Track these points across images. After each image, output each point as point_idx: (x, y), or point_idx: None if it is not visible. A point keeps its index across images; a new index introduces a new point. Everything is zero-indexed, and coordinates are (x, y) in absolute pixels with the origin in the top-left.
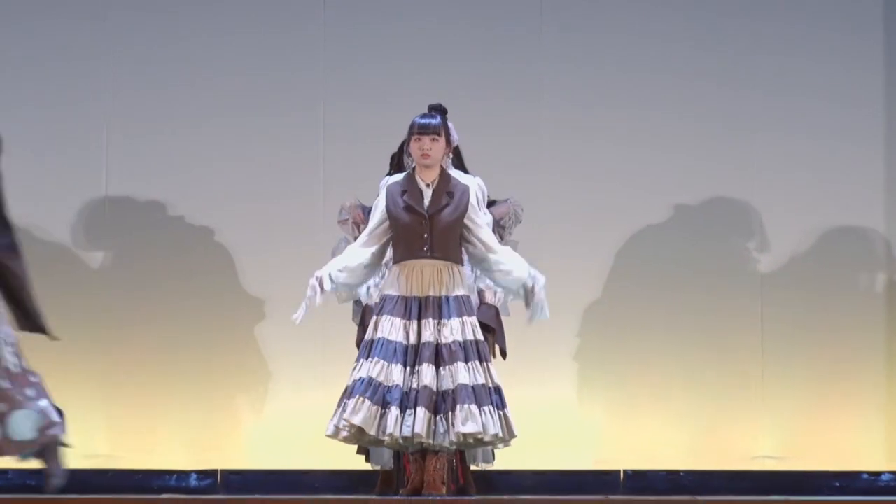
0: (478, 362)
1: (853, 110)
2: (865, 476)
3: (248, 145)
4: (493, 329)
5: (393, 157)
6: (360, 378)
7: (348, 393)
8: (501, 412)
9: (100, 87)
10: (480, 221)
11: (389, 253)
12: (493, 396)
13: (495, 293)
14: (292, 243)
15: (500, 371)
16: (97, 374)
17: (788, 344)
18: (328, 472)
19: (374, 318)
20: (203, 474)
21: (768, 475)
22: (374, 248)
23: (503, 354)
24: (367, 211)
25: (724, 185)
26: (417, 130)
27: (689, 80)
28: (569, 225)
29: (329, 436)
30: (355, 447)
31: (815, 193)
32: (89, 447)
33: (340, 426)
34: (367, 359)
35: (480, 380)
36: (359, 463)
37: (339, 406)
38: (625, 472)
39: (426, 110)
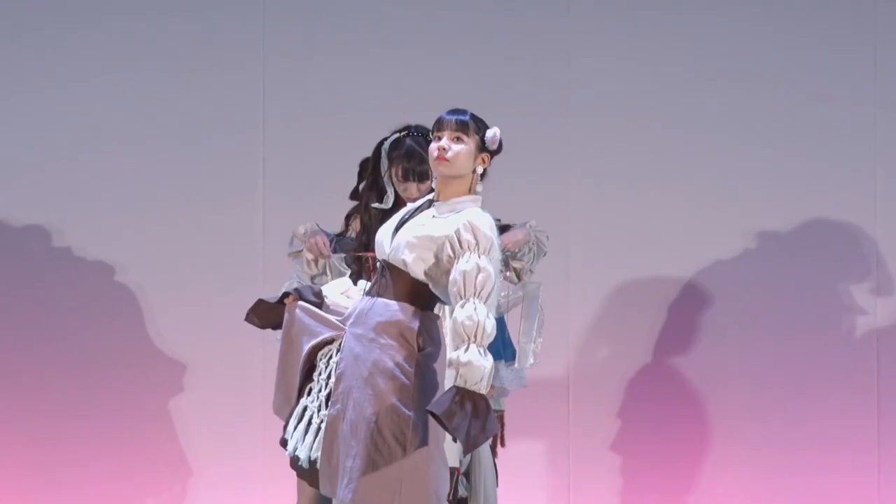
0: None
1: None
2: None
3: (164, 157)
4: None
5: (364, 164)
6: None
7: None
8: None
9: None
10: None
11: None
12: None
13: None
14: (220, 286)
15: None
16: None
17: None
18: None
19: None
20: None
21: None
22: None
23: None
24: (331, 238)
25: (828, 203)
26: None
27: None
28: (601, 258)
29: None
30: None
31: None
32: None
33: None
34: None
35: None
36: None
37: None
38: None
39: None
